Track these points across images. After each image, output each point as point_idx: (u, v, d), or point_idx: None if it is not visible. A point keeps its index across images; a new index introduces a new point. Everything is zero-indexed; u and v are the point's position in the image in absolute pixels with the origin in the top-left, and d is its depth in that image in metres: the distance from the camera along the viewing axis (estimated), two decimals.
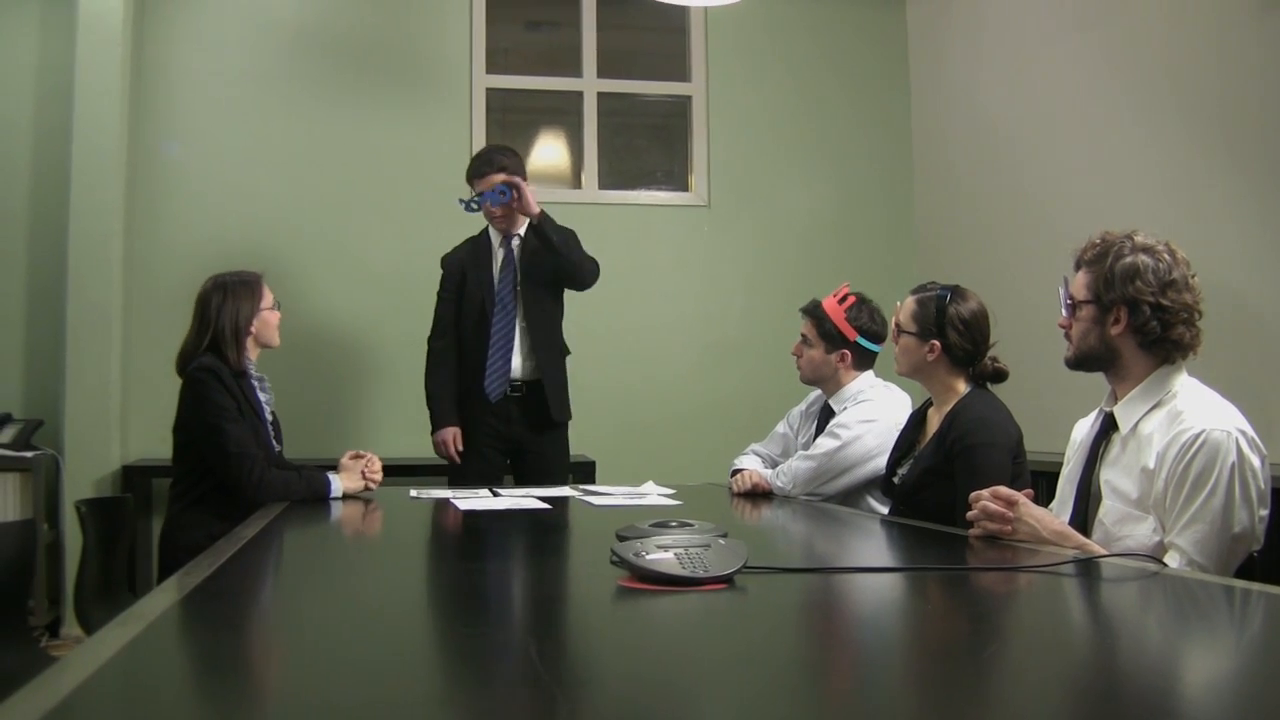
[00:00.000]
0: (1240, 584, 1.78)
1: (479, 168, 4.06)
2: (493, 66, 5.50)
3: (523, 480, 4.03)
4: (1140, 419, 2.17)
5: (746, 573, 1.65)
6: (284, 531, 2.57)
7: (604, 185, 5.62)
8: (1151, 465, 2.09)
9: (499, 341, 3.99)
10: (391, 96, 5.36)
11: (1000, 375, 2.89)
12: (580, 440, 5.20)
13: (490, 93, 5.49)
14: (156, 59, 5.14)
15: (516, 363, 4.01)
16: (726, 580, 1.60)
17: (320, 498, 3.14)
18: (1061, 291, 2.31)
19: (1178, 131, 3.96)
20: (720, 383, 5.47)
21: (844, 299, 3.40)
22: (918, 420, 3.04)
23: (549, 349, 4.08)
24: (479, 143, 5.39)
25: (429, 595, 1.85)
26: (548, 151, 5.97)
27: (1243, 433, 2.03)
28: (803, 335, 3.46)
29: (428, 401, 4.13)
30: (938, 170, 5.61)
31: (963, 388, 2.88)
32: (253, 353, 3.34)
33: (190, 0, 5.23)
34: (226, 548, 2.08)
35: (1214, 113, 3.79)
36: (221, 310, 3.28)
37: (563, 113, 5.79)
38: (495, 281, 4.05)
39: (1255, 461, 2.03)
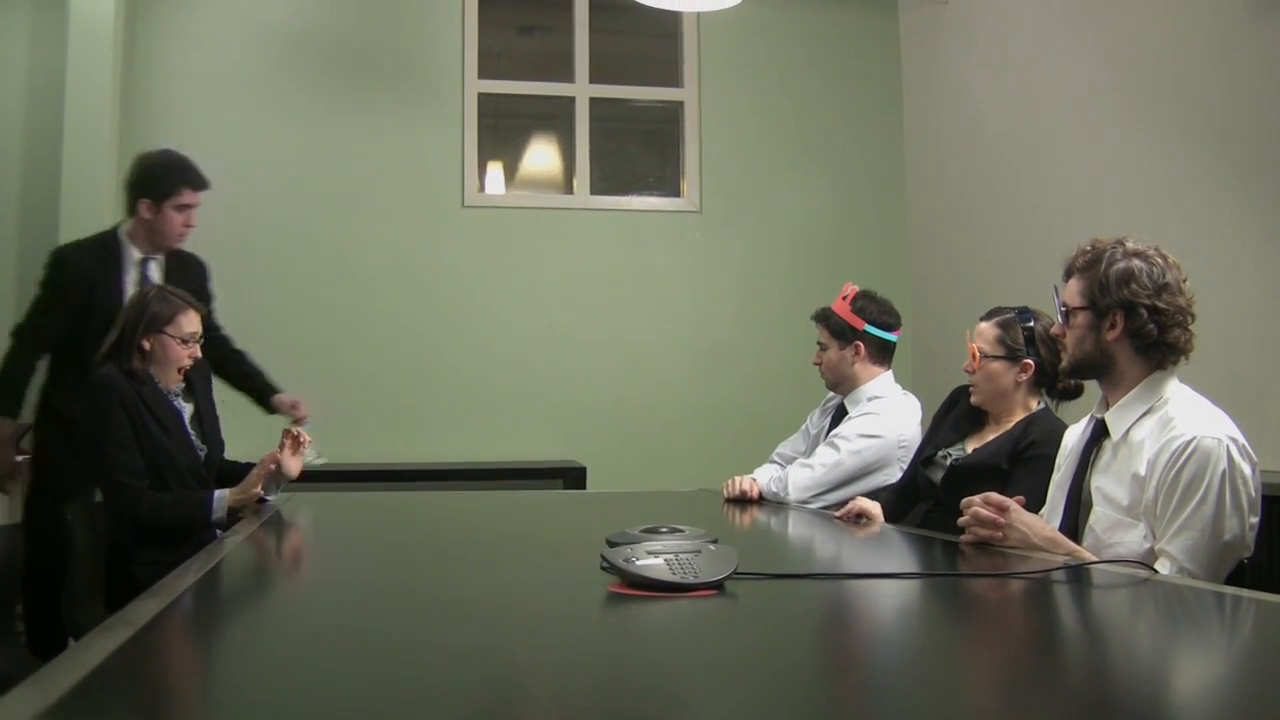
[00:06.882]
0: (1230, 590, 1.78)
1: None
2: (485, 71, 5.49)
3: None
4: (1132, 425, 2.17)
5: (737, 578, 1.64)
6: (274, 535, 2.56)
7: (596, 190, 5.62)
8: (1143, 472, 2.08)
9: None
10: (383, 101, 5.35)
11: (1078, 392, 2.78)
12: (572, 445, 5.21)
13: (482, 97, 5.48)
14: (148, 61, 5.12)
15: None
16: (717, 586, 1.60)
17: (200, 524, 2.88)
18: (1055, 300, 2.31)
19: (1173, 136, 3.96)
20: (712, 388, 5.46)
21: (847, 295, 3.44)
22: (965, 411, 2.94)
23: None
24: (470, 147, 5.38)
25: (417, 600, 1.84)
26: (539, 157, 5.96)
27: (1234, 440, 2.03)
28: (819, 343, 3.48)
29: (14, 388, 3.54)
30: (930, 175, 5.62)
31: (1034, 405, 2.83)
32: (154, 368, 3.06)
33: (182, 3, 5.22)
34: (216, 551, 2.07)
35: (1209, 116, 3.79)
36: (134, 308, 3.06)
37: (555, 118, 5.78)
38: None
39: (1246, 469, 2.02)
